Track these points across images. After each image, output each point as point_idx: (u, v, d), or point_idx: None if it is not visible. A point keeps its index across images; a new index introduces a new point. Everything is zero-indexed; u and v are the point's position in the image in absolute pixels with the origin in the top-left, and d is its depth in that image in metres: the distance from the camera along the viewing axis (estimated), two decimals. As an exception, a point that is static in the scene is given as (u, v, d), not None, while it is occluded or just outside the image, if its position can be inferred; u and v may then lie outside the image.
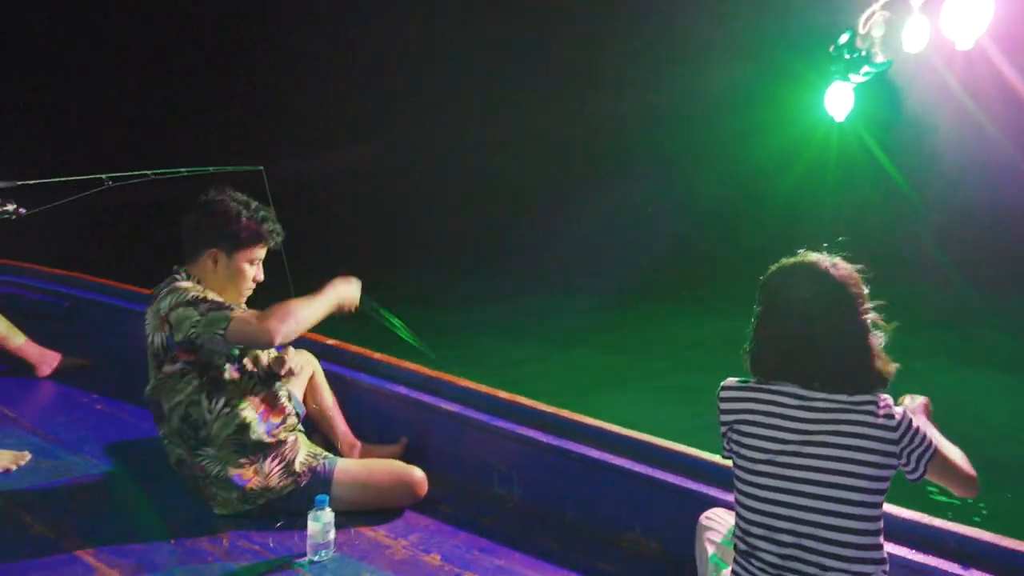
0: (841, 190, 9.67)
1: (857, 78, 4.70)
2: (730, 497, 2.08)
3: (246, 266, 2.28)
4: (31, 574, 1.83)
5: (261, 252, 2.32)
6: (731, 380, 1.61)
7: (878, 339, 1.51)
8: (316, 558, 1.99)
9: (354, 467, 2.32)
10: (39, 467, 2.44)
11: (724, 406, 1.59)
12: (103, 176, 2.73)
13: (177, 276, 2.25)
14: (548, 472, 2.46)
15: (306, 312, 2.14)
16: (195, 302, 2.11)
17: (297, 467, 2.25)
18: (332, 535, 2.02)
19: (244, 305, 2.33)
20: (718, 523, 1.91)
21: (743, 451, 1.53)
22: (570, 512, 2.41)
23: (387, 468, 2.36)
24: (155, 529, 2.10)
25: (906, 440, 1.45)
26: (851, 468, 1.43)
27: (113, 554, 1.95)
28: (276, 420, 2.29)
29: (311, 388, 2.65)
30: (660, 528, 2.23)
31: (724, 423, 1.59)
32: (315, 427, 2.64)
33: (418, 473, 2.36)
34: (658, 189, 10.74)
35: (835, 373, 1.48)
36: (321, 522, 1.99)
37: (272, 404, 2.30)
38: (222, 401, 2.19)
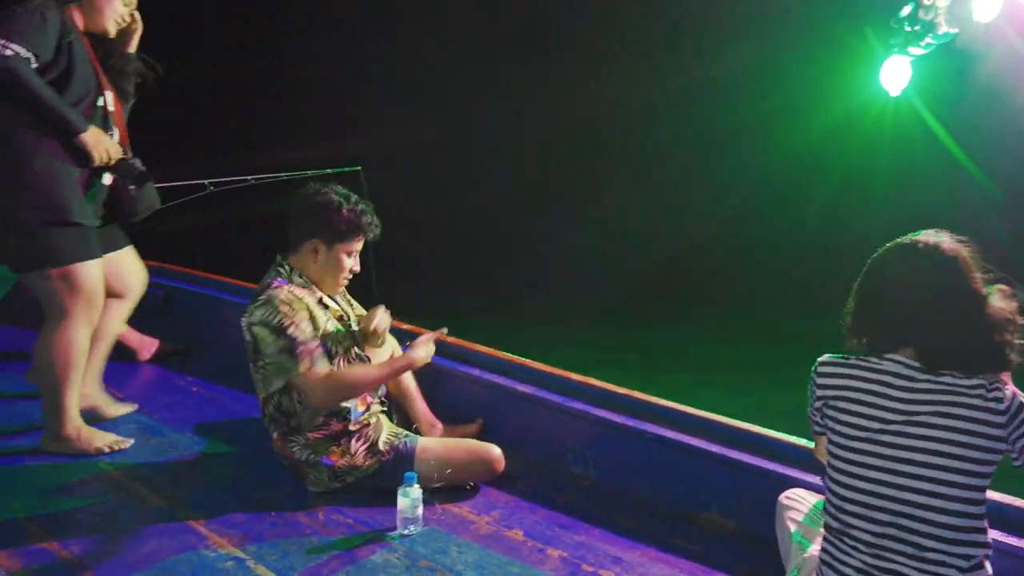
0: (897, 172, 9.23)
1: (917, 50, 4.50)
2: (808, 478, 2.12)
3: (344, 257, 2.38)
4: (151, 540, 2.01)
5: (359, 244, 2.42)
6: (828, 356, 1.59)
7: (1004, 313, 1.45)
8: (406, 532, 2.11)
9: (433, 445, 2.43)
10: (148, 443, 2.65)
11: (821, 380, 1.57)
12: (205, 182, 2.89)
13: (281, 269, 2.39)
14: (622, 452, 2.51)
15: (368, 385, 2.35)
16: (277, 331, 2.23)
17: (381, 446, 2.37)
18: (420, 511, 2.13)
19: (343, 291, 2.51)
20: (800, 503, 1.92)
21: (840, 427, 1.52)
22: (645, 491, 2.46)
23: (465, 446, 2.47)
24: (256, 503, 2.26)
25: (1014, 425, 1.42)
26: (955, 451, 1.41)
27: (221, 524, 2.12)
28: (361, 408, 2.41)
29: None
30: (737, 507, 2.26)
31: (820, 398, 1.57)
32: (396, 408, 2.76)
33: (495, 450, 2.45)
34: (698, 172, 10.50)
35: (946, 350, 1.46)
36: (410, 497, 2.10)
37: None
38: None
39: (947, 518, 1.41)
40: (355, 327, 2.53)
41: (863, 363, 1.53)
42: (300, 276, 2.38)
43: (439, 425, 2.77)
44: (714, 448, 2.31)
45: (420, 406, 2.78)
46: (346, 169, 3.07)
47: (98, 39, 2.49)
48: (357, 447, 2.35)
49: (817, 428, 1.63)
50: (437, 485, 2.36)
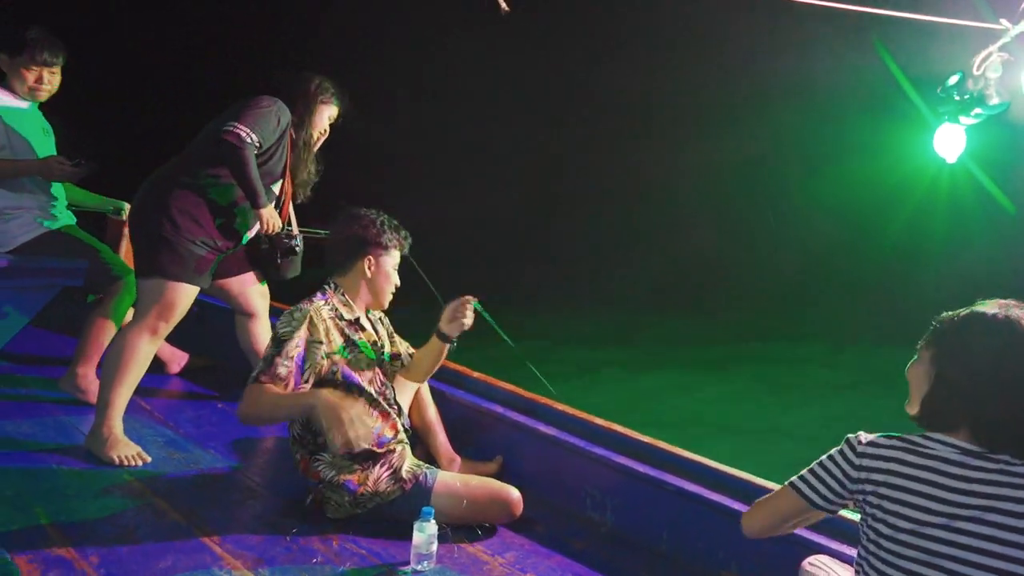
0: (954, 236, 9.12)
1: (968, 120, 4.47)
2: (833, 544, 2.06)
3: (392, 270, 2.55)
4: (167, 556, 2.01)
5: (399, 258, 2.59)
6: (873, 436, 1.50)
7: None
8: (419, 567, 2.09)
9: (454, 481, 2.41)
10: (171, 458, 2.68)
11: (863, 462, 1.47)
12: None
13: (326, 287, 2.51)
14: (642, 502, 2.47)
15: (273, 409, 2.29)
16: (275, 341, 2.33)
17: (403, 474, 2.37)
18: (435, 547, 2.11)
19: (387, 323, 2.66)
20: (826, 571, 1.86)
21: (885, 516, 1.43)
22: (664, 544, 2.41)
23: (486, 485, 2.44)
24: (273, 526, 2.26)
25: None
26: (1008, 552, 1.33)
27: (236, 545, 2.12)
28: (388, 434, 2.42)
29: (416, 402, 2.77)
30: (757, 570, 2.20)
31: (860, 481, 1.47)
32: (417, 440, 2.76)
33: (515, 493, 2.42)
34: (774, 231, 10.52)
35: (1008, 427, 1.39)
36: (426, 533, 2.09)
37: (385, 418, 2.43)
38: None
39: None
40: (387, 356, 2.56)
41: (910, 446, 1.45)
42: (343, 294, 2.49)
43: (458, 460, 2.76)
44: (736, 505, 2.25)
45: (441, 439, 2.77)
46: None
47: (299, 143, 3.04)
48: (381, 473, 2.35)
49: (813, 495, 1.52)
50: (453, 523, 2.34)
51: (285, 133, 2.93)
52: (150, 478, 2.50)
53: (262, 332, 3.32)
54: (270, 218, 2.89)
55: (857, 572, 1.51)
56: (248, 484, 2.56)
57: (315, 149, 3.10)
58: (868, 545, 1.48)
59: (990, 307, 1.46)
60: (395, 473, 2.36)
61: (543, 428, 2.77)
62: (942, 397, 1.46)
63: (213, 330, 3.91)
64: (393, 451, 2.40)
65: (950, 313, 1.51)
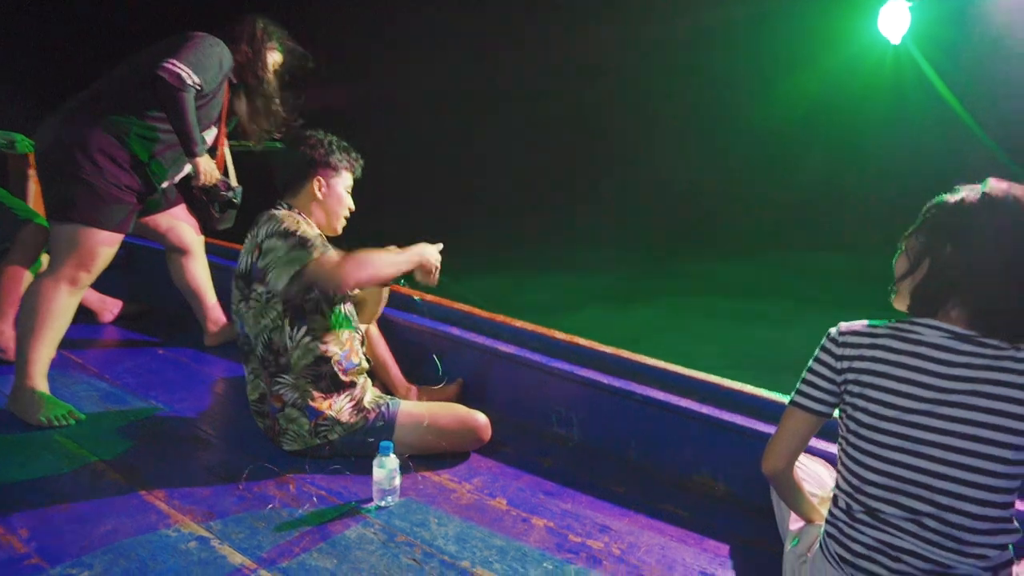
0: (896, 123, 9.06)
1: None
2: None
3: (344, 192, 2.40)
4: (110, 520, 1.87)
5: (351, 180, 2.44)
6: (849, 324, 1.44)
7: None
8: (382, 503, 1.99)
9: (417, 409, 2.30)
10: (108, 413, 2.50)
11: (844, 351, 1.41)
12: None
13: (280, 206, 2.31)
14: (608, 413, 2.41)
15: (384, 265, 2.16)
16: (285, 234, 2.14)
17: (366, 404, 2.26)
18: (397, 481, 2.01)
19: (339, 233, 2.44)
20: (798, 466, 1.83)
21: (867, 404, 1.38)
22: (633, 453, 2.36)
23: (451, 411, 2.34)
24: (223, 474, 2.13)
25: None
26: (996, 435, 1.28)
27: (184, 500, 1.99)
28: (355, 360, 2.30)
29: (366, 336, 2.62)
30: (730, 470, 2.17)
31: (841, 371, 1.42)
32: (373, 376, 2.62)
33: (482, 418, 2.33)
34: (696, 124, 10.31)
35: (1003, 312, 1.31)
36: (386, 468, 1.98)
37: (352, 344, 2.31)
38: (303, 330, 2.19)
39: (980, 508, 1.30)
40: None
41: (895, 331, 1.38)
42: (299, 214, 2.31)
43: (414, 388, 2.65)
44: (704, 409, 2.20)
45: (394, 371, 2.65)
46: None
47: (251, 87, 2.86)
48: (343, 403, 2.23)
49: (816, 405, 1.47)
50: (419, 453, 2.25)
51: (225, 78, 2.73)
52: (85, 437, 2.32)
53: (198, 269, 3.11)
54: (207, 169, 2.71)
55: (840, 466, 1.46)
56: (196, 434, 2.40)
57: (273, 93, 2.89)
58: (848, 436, 1.43)
59: (993, 186, 1.36)
60: (357, 404, 2.25)
61: (503, 347, 2.66)
62: (935, 279, 1.37)
63: (146, 273, 3.67)
64: (355, 383, 2.28)
65: (945, 195, 1.41)
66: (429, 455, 2.27)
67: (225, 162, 3.00)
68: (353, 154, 2.43)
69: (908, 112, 8.87)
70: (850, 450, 1.42)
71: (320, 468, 2.18)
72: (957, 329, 1.34)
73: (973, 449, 1.29)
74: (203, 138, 2.69)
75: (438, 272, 2.32)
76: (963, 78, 8.61)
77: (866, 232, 7.68)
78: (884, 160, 8.92)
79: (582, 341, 2.59)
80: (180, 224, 3.03)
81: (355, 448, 2.22)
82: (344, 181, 2.40)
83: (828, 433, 2.01)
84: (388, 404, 2.27)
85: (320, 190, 2.34)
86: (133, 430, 2.40)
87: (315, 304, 2.21)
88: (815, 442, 2.00)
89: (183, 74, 2.48)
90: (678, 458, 2.26)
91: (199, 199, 2.90)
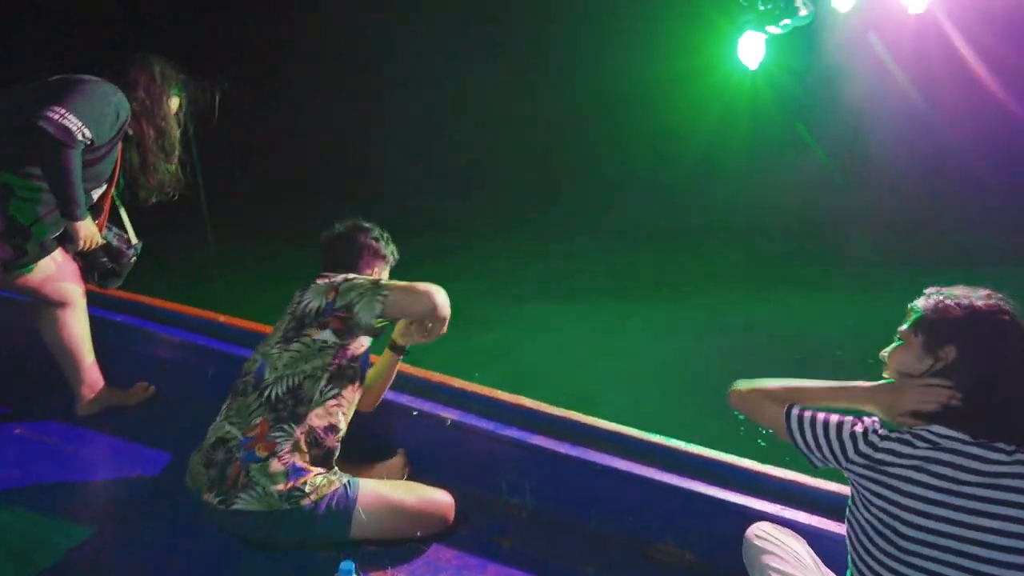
0: (754, 147, 9.81)
1: (774, 30, 4.64)
2: (772, 508, 2.04)
3: None
4: None
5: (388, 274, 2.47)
6: (882, 428, 1.52)
7: None
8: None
9: (380, 489, 2.11)
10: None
11: (869, 451, 1.49)
12: None
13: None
14: (565, 480, 2.32)
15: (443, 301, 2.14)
16: (371, 281, 2.16)
17: (333, 477, 2.06)
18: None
19: None
20: (775, 544, 1.83)
21: (888, 507, 1.44)
22: (594, 522, 2.29)
23: (415, 492, 2.17)
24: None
25: None
26: (1011, 543, 1.34)
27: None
28: (344, 429, 2.18)
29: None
30: (696, 540, 2.15)
31: (859, 464, 1.50)
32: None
33: (446, 499, 2.20)
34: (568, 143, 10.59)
35: (1005, 422, 1.41)
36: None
37: (348, 412, 2.20)
38: (334, 392, 2.12)
39: None
40: None
41: (917, 439, 1.46)
42: None
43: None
44: (667, 479, 2.17)
45: None
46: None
47: (148, 140, 2.52)
48: (319, 479, 2.02)
49: (805, 451, 1.59)
50: (378, 539, 2.07)
51: (122, 131, 2.41)
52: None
53: (76, 324, 2.63)
54: (88, 234, 2.41)
55: (854, 561, 1.50)
56: (88, 560, 2.00)
57: (175, 144, 2.60)
58: (866, 540, 1.46)
59: (983, 298, 1.48)
60: (327, 477, 2.04)
61: (443, 412, 2.48)
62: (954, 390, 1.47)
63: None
64: (334, 452, 2.15)
65: (943, 299, 1.51)
66: (381, 542, 2.08)
67: (119, 219, 2.64)
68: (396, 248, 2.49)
69: (765, 131, 9.61)
70: (871, 552, 1.46)
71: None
72: (968, 437, 1.42)
73: (997, 556, 1.34)
74: (85, 200, 2.37)
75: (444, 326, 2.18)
76: (809, 100, 9.52)
77: (725, 246, 8.20)
78: (743, 176, 9.57)
79: (529, 403, 2.48)
80: (57, 273, 2.53)
81: (305, 538, 2.00)
82: (386, 274, 2.46)
83: (797, 501, 2.05)
84: (348, 482, 2.06)
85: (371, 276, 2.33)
86: None
87: (355, 372, 2.17)
88: (785, 511, 2.02)
89: (72, 127, 2.12)
90: (642, 527, 2.21)
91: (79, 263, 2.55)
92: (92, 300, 2.78)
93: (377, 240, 2.43)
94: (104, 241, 2.50)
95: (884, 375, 1.62)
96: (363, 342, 2.21)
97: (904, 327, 1.57)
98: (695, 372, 4.90)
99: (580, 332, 5.89)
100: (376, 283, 2.14)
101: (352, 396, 2.18)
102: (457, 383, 2.59)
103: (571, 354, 5.39)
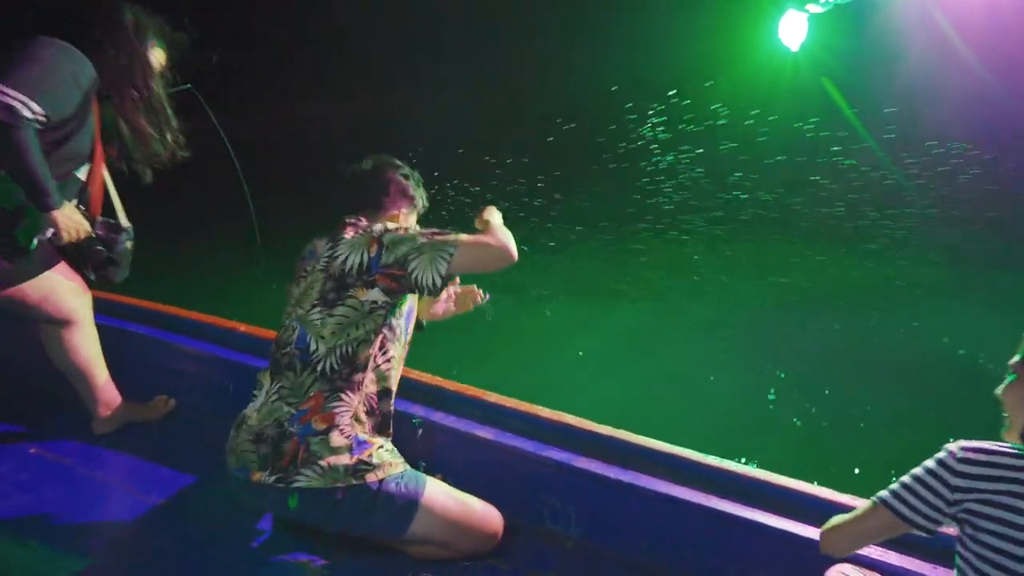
0: (796, 129, 9.37)
1: (815, 8, 4.41)
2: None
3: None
4: None
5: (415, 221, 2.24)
6: (975, 447, 1.32)
7: None
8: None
9: (449, 490, 2.01)
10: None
11: (961, 482, 1.31)
12: None
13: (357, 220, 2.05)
14: (614, 508, 2.10)
15: (507, 238, 1.99)
16: (416, 232, 1.95)
17: (397, 456, 1.96)
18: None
19: None
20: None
21: (990, 539, 1.28)
22: (645, 556, 2.06)
23: (475, 505, 2.03)
24: None
25: None
26: None
27: None
28: (394, 392, 2.07)
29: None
30: (764, 578, 1.91)
31: (953, 502, 1.32)
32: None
33: (498, 518, 2.06)
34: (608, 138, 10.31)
35: None
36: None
37: (398, 374, 2.09)
38: (388, 352, 1.99)
39: None
40: None
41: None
42: None
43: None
44: (730, 509, 1.93)
45: None
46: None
47: (131, 103, 2.22)
48: (383, 442, 1.94)
49: (912, 515, 1.34)
50: (421, 548, 1.94)
51: (90, 94, 2.11)
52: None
53: (85, 341, 2.48)
54: (69, 224, 2.13)
55: None
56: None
57: (164, 105, 2.30)
58: (972, 559, 1.30)
59: None
60: (393, 452, 1.95)
61: (480, 431, 2.28)
62: None
63: None
64: (390, 417, 2.05)
65: None
66: (429, 546, 1.95)
67: (108, 200, 2.38)
68: (426, 194, 2.26)
69: (807, 114, 9.18)
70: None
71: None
72: None
73: None
74: (71, 179, 2.18)
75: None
76: (854, 81, 9.05)
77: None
78: (783, 161, 9.17)
79: (572, 420, 2.26)
80: (58, 288, 2.37)
81: (366, 529, 1.90)
82: (413, 220, 2.21)
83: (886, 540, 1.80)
84: (411, 477, 1.93)
85: (398, 220, 2.14)
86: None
87: (402, 329, 2.04)
88: (872, 551, 1.77)
89: (15, 103, 1.86)
90: (701, 564, 1.98)
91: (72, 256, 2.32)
92: (105, 309, 2.64)
93: (407, 178, 2.20)
94: (93, 231, 2.26)
95: (1005, 415, 1.39)
96: (412, 296, 2.06)
97: (1015, 360, 1.38)
98: (750, 379, 4.56)
99: (612, 335, 5.60)
100: (434, 237, 1.91)
101: (402, 355, 2.07)
102: (493, 397, 2.38)
103: (605, 360, 5.11)
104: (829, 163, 8.49)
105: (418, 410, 2.36)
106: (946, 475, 1.32)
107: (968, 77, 8.69)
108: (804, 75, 9.09)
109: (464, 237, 1.93)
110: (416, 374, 2.47)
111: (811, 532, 1.84)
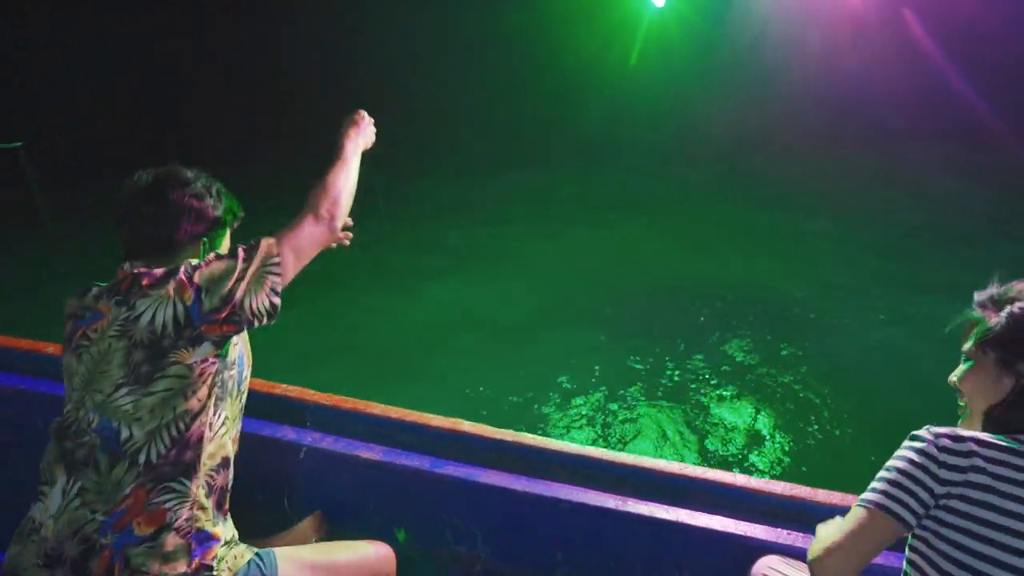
0: (663, 74, 9.47)
1: None
2: (782, 537, 1.68)
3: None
4: None
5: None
6: (949, 434, 1.20)
7: None
8: None
9: (301, 553, 1.65)
10: None
11: (947, 475, 1.19)
12: None
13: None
14: (523, 521, 1.89)
15: (347, 182, 1.74)
16: (220, 256, 1.57)
17: (238, 545, 1.56)
18: None
19: None
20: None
21: (970, 525, 1.18)
22: (561, 568, 1.87)
23: (342, 549, 1.73)
24: None
25: None
26: None
27: None
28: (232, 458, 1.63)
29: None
30: (687, 578, 1.78)
31: (940, 495, 1.20)
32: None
33: (388, 555, 1.78)
34: (463, 89, 10.04)
35: None
36: None
37: (235, 433, 1.64)
38: (223, 417, 1.56)
39: None
40: None
41: (997, 449, 1.20)
42: None
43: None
44: (648, 509, 1.78)
45: None
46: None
47: None
48: (224, 529, 1.53)
49: (907, 515, 1.20)
50: None
51: None
52: None
53: None
54: None
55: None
56: None
57: None
58: (937, 557, 1.20)
59: None
60: (234, 538, 1.57)
61: (363, 451, 1.98)
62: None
63: None
64: (227, 491, 1.62)
65: (1013, 308, 1.24)
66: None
67: None
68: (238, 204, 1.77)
69: (672, 65, 9.27)
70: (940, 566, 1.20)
71: None
72: None
73: None
74: None
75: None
76: (716, 34, 9.23)
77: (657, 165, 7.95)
78: (655, 105, 9.27)
79: (469, 428, 2.01)
80: None
81: None
82: (225, 241, 1.73)
83: (807, 523, 1.70)
84: (258, 554, 1.57)
85: (199, 253, 1.66)
86: None
87: (235, 378, 1.59)
88: (796, 538, 1.67)
89: None
90: (622, 572, 1.82)
91: None
92: None
93: (203, 196, 1.67)
94: None
95: (960, 403, 1.27)
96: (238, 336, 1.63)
97: (969, 345, 1.29)
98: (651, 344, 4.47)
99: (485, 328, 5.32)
100: (251, 252, 1.57)
101: (237, 411, 1.64)
102: (377, 408, 2.08)
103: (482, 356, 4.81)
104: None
105: (288, 433, 2.03)
106: (932, 466, 1.20)
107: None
108: (671, 27, 9.18)
109: (283, 233, 1.62)
110: (282, 389, 2.12)
111: (732, 526, 1.71)
